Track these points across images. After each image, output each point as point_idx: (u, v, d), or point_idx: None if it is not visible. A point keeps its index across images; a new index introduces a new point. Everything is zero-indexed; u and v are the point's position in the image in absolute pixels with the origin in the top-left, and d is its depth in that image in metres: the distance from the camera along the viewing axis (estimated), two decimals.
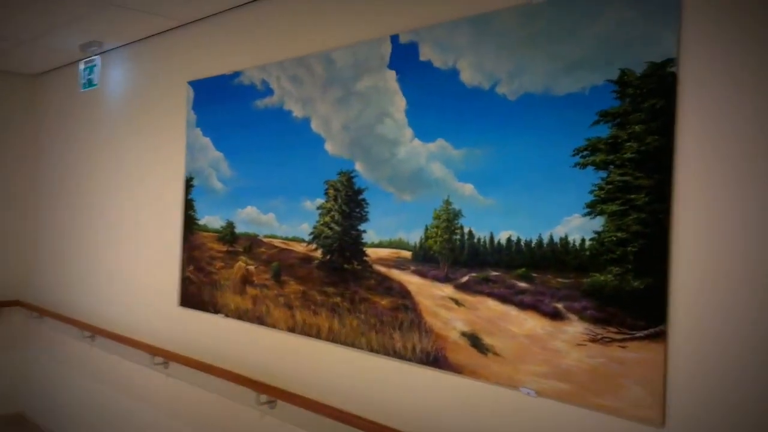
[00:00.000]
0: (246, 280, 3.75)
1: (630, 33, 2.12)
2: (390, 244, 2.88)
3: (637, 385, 2.05)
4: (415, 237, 2.77)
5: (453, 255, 2.62)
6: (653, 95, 2.04)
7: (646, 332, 2.03)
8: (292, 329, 3.37)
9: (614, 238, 2.12)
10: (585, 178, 2.20)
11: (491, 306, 2.48)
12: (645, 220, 2.04)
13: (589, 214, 2.19)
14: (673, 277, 1.99)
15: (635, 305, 2.06)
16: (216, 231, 3.99)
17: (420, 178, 2.76)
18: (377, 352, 2.90)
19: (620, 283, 2.10)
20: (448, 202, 2.64)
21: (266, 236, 3.59)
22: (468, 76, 2.58)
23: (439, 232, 2.66)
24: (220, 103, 3.98)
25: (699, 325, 1.94)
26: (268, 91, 3.60)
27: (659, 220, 2.01)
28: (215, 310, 3.93)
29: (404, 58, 2.85)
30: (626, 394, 2.07)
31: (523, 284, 2.39)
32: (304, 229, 3.34)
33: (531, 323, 2.34)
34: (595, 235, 2.17)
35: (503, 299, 2.44)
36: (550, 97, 2.31)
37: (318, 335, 3.20)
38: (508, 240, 2.43)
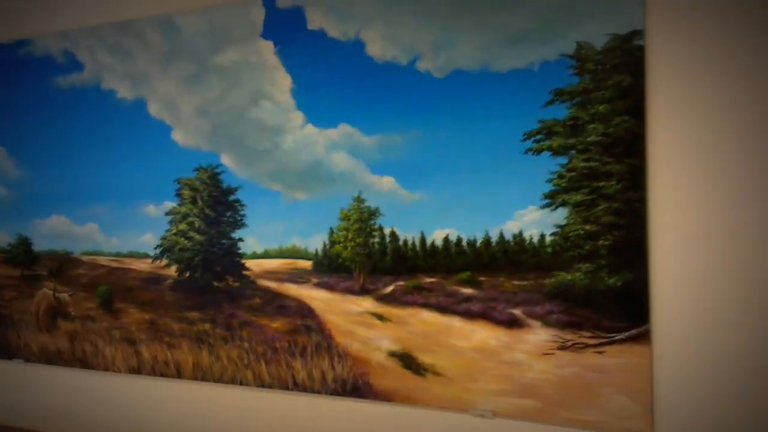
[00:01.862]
0: (56, 311, 2.88)
1: (586, 2, 1.87)
2: (281, 254, 2.34)
3: (620, 394, 1.85)
4: (316, 243, 2.28)
5: (371, 262, 2.19)
6: (618, 71, 1.83)
7: (627, 334, 1.83)
8: (136, 370, 2.64)
9: (582, 232, 1.88)
10: (540, 166, 1.94)
11: (427, 319, 2.11)
12: (618, 209, 1.83)
13: (548, 205, 1.93)
14: (653, 271, 1.81)
15: (612, 305, 1.85)
16: (1, 250, 3.01)
17: (318, 172, 2.27)
18: (270, 386, 2.35)
19: (592, 281, 1.87)
20: (359, 200, 2.19)
21: (86, 254, 2.77)
22: (377, 50, 2.16)
23: (350, 236, 2.21)
24: None
25: (684, 322, 1.80)
26: (75, 66, 2.76)
27: (635, 210, 1.81)
28: (9, 354, 2.98)
29: (285, 26, 2.32)
30: (608, 405, 1.86)
31: (467, 290, 2.05)
32: (147, 242, 2.62)
33: (481, 334, 2.03)
34: (558, 230, 1.92)
35: (443, 310, 2.09)
36: (490, 74, 2.00)
37: (178, 374, 2.53)
38: (446, 240, 2.07)
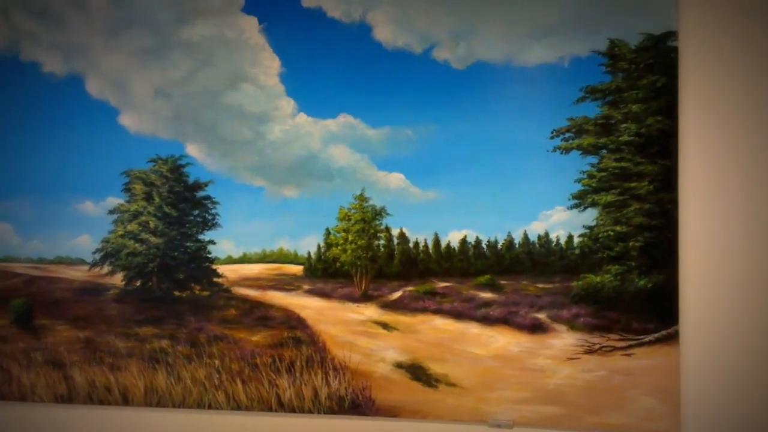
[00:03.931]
0: None
1: None
2: (264, 258, 1.99)
3: (648, 396, 1.76)
4: (308, 246, 1.96)
5: (375, 266, 1.92)
6: (652, 71, 1.74)
7: (656, 335, 1.75)
8: (66, 398, 2.11)
9: (612, 233, 1.77)
10: (569, 165, 1.80)
11: (440, 326, 1.89)
12: (650, 210, 1.74)
13: (576, 206, 1.79)
14: (682, 272, 1.74)
15: (642, 307, 1.75)
16: None
17: (312, 167, 1.95)
18: (249, 408, 1.98)
19: (622, 283, 1.76)
20: (362, 198, 1.92)
21: None
22: (387, 35, 1.90)
23: (351, 237, 1.92)
24: None
25: (713, 323, 1.76)
26: None
27: (667, 211, 1.73)
28: None
29: (274, 0, 1.96)
30: (635, 408, 1.77)
31: (487, 295, 1.86)
32: (83, 245, 2.11)
33: (501, 341, 1.84)
34: (587, 231, 1.78)
35: (458, 316, 1.87)
36: (515, 68, 1.83)
37: (125, 401, 2.06)
38: (463, 242, 1.86)
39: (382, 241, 1.92)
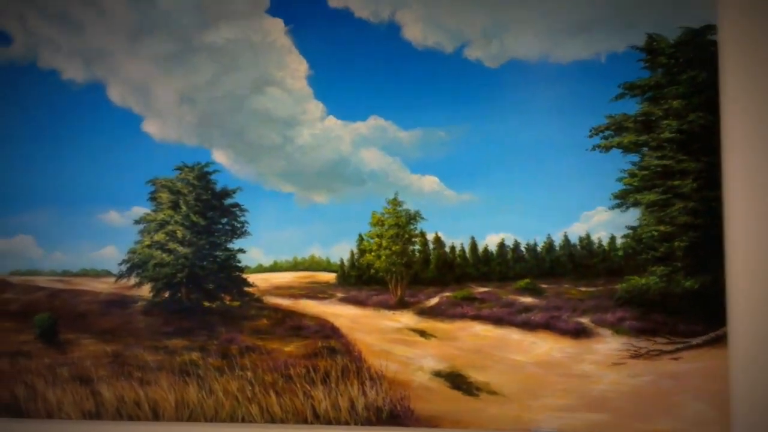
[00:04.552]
0: None
1: None
2: (295, 266, 1.93)
3: (697, 401, 1.70)
4: (340, 252, 1.91)
5: (410, 272, 1.87)
6: (692, 66, 1.68)
7: (704, 338, 1.69)
8: (93, 414, 2.05)
9: (656, 233, 1.71)
10: (609, 163, 1.75)
11: (480, 332, 1.83)
12: (695, 209, 1.68)
13: (619, 206, 1.74)
14: (729, 272, 1.69)
15: (689, 308, 1.70)
16: None
17: (343, 171, 1.90)
18: (284, 421, 1.92)
19: (668, 284, 1.71)
20: (396, 202, 1.86)
21: (16, 273, 2.13)
22: (416, 34, 1.85)
23: (385, 243, 1.87)
24: None
25: (763, 323, 1.68)
26: (2, 38, 2.12)
27: (712, 209, 1.67)
28: None
29: (299, 2, 1.91)
30: (684, 413, 1.71)
31: (527, 299, 1.81)
32: (108, 257, 2.06)
33: (543, 347, 1.79)
34: (630, 231, 1.73)
35: (498, 321, 1.82)
36: (551, 65, 1.77)
37: (156, 416, 2.00)
38: (501, 246, 1.80)
39: (417, 246, 1.87)
